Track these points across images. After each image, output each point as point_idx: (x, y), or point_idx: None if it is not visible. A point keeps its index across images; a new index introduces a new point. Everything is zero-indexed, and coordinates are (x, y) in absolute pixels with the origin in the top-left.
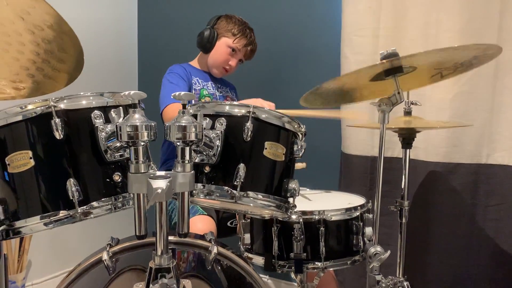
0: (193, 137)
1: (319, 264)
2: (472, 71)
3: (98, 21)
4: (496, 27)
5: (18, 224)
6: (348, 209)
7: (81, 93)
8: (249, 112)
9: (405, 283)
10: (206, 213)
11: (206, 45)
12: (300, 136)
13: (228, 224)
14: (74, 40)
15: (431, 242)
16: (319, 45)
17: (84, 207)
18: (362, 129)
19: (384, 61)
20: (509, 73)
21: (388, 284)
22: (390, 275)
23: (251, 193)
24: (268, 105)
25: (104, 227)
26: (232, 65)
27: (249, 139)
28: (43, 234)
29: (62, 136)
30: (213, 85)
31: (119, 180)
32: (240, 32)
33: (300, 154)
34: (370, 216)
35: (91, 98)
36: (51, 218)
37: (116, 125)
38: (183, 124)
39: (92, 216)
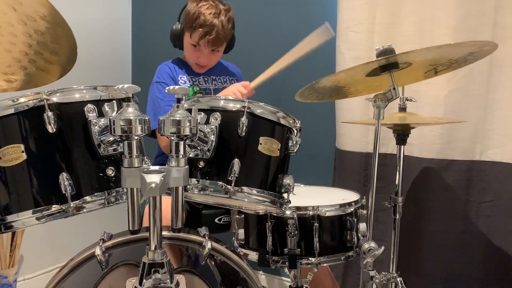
0: (187, 132)
1: (313, 259)
2: (467, 68)
3: (92, 15)
4: (491, 24)
5: (10, 218)
6: (342, 205)
7: (74, 86)
8: (244, 107)
9: (398, 279)
10: None
11: (175, 44)
12: (295, 131)
13: (216, 221)
14: (67, 31)
15: (425, 238)
16: None
17: (77, 201)
18: (356, 126)
19: (380, 58)
20: (503, 71)
21: (382, 279)
22: (383, 271)
23: (245, 189)
24: (244, 84)
25: (98, 222)
26: (202, 62)
27: (244, 134)
28: (36, 229)
29: (54, 130)
30: (206, 79)
31: (113, 174)
32: (192, 25)
33: (295, 150)
34: (364, 212)
35: (84, 91)
36: (44, 212)
37: (110, 119)
38: (178, 119)
39: (85, 210)
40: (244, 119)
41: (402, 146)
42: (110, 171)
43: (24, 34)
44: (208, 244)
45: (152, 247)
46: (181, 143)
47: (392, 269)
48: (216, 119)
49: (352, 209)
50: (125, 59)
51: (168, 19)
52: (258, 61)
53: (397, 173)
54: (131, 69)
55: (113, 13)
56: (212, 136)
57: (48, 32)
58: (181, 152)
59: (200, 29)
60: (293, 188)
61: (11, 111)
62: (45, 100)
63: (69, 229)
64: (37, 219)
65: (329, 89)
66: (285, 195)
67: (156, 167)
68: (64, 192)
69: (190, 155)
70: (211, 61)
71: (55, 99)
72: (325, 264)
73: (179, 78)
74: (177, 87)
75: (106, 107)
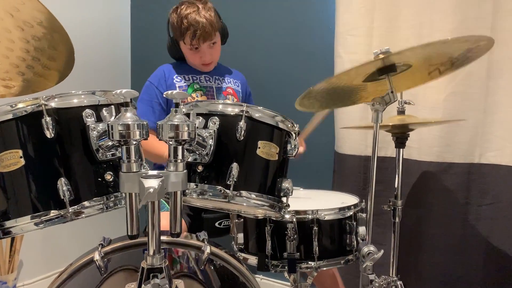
0: (185, 136)
1: (312, 263)
2: (465, 71)
3: (91, 19)
4: (489, 27)
5: (8, 224)
6: (341, 209)
7: (73, 92)
8: (242, 111)
9: (398, 283)
10: None
11: (175, 56)
12: (294, 135)
13: (216, 224)
14: (65, 37)
15: (424, 241)
16: (313, 45)
17: (75, 206)
18: (355, 129)
19: (376, 57)
20: (501, 73)
21: (382, 283)
22: (383, 275)
23: (244, 193)
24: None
25: (98, 227)
26: (206, 60)
27: (242, 138)
28: (35, 234)
29: (53, 135)
30: (208, 78)
31: (111, 179)
32: (180, 31)
33: (294, 154)
34: (364, 215)
35: (82, 96)
36: (42, 218)
37: (108, 124)
38: (176, 123)
39: (83, 216)
40: (242, 123)
41: (401, 149)
42: (109, 176)
43: (21, 40)
44: (207, 249)
45: (151, 252)
46: (179, 147)
47: (392, 273)
48: (214, 124)
49: (351, 213)
50: (124, 60)
51: (167, 20)
52: (257, 66)
53: (397, 176)
54: (130, 71)
55: (112, 15)
56: (211, 140)
57: (45, 37)
58: (179, 156)
59: (188, 31)
60: (292, 192)
61: (9, 116)
62: (43, 106)
63: (69, 235)
64: (36, 224)
65: (330, 97)
66: (284, 199)
67: (155, 172)
68: (62, 197)
69: (189, 160)
70: (214, 55)
71: (53, 104)
72: (325, 268)
73: (174, 77)
74: (175, 91)
75: (104, 112)
